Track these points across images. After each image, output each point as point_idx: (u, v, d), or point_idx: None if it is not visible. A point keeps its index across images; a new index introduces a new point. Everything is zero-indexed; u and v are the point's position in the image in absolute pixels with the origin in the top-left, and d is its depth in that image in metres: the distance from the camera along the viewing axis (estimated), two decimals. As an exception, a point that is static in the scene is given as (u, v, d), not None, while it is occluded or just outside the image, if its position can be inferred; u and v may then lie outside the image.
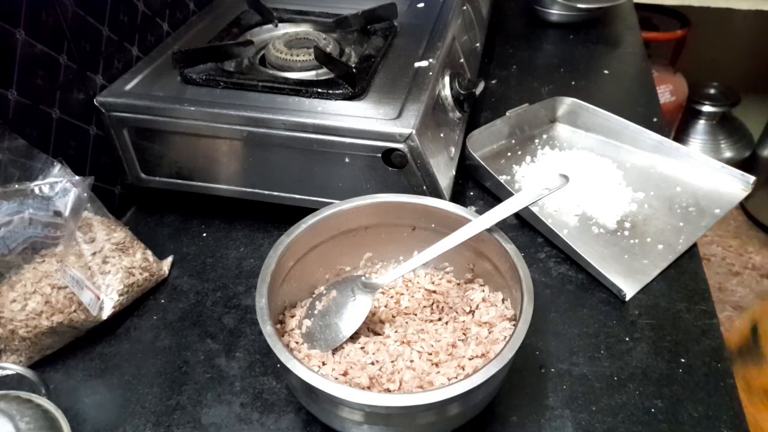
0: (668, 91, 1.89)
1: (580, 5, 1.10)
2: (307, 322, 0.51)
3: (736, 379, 0.46)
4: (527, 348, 0.55)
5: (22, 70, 0.55)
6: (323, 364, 0.49)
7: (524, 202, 0.51)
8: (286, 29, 0.78)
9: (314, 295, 0.55)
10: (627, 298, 0.59)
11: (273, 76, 0.67)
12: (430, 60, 0.69)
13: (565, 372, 0.53)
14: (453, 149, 0.69)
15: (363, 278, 0.52)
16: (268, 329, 0.43)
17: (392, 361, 0.49)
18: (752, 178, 0.72)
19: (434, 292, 0.56)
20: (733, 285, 1.72)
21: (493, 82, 0.96)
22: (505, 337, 0.49)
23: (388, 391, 0.47)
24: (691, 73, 1.94)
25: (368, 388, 0.47)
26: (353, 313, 0.51)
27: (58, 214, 0.54)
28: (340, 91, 0.62)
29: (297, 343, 0.51)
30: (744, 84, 1.99)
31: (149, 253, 0.61)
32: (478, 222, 0.50)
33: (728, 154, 1.95)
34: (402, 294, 0.56)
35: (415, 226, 0.55)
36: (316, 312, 0.52)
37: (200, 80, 0.64)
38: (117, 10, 0.66)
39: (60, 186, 0.55)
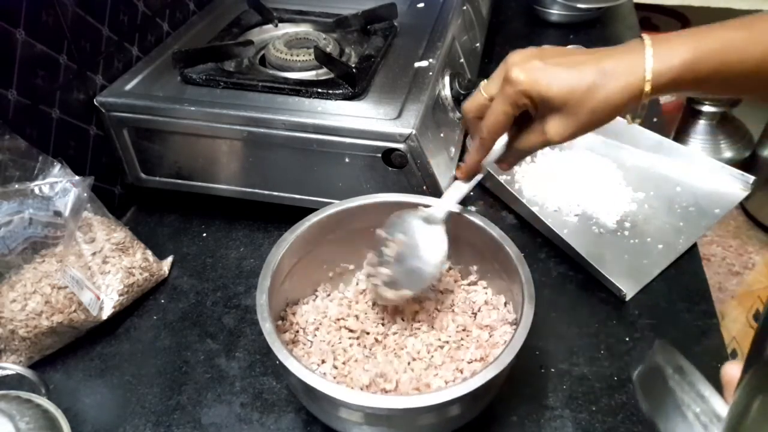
0: (668, 91, 1.88)
1: (580, 5, 1.10)
2: (385, 270, 0.51)
3: None
4: (527, 348, 0.55)
5: (22, 70, 0.55)
6: (322, 362, 0.49)
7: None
8: (286, 29, 0.78)
9: (375, 239, 0.53)
10: (627, 298, 0.59)
11: (273, 76, 0.67)
12: (430, 60, 0.69)
13: (565, 372, 0.53)
14: (453, 149, 0.69)
15: (420, 213, 0.51)
16: (267, 326, 0.43)
17: (391, 362, 0.49)
18: (752, 178, 0.72)
19: (439, 292, 0.56)
20: (733, 285, 1.72)
21: (493, 82, 0.96)
22: (505, 341, 0.49)
23: (386, 391, 0.47)
24: (691, 73, 1.93)
25: (367, 387, 0.47)
26: (430, 250, 0.50)
27: (58, 214, 0.54)
28: (340, 91, 0.62)
29: (308, 340, 0.51)
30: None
31: (149, 253, 0.61)
32: None
33: (728, 154, 1.95)
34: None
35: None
36: (389, 258, 0.51)
37: (200, 80, 0.64)
38: (117, 10, 0.66)
39: (60, 186, 0.55)
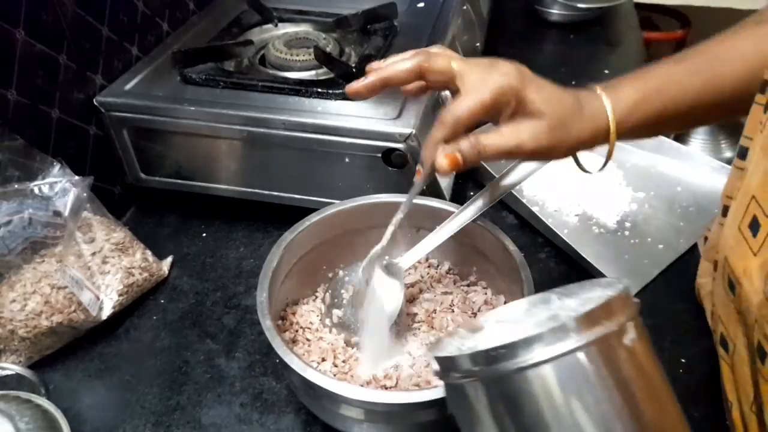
0: (668, 91, 1.88)
1: (580, 5, 1.10)
2: (337, 312, 0.51)
3: None
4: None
5: (21, 70, 0.55)
6: (322, 360, 0.49)
7: (530, 168, 0.50)
8: (286, 29, 0.78)
9: (333, 279, 0.54)
10: (627, 298, 0.59)
11: (273, 75, 0.67)
12: (430, 60, 0.68)
13: (566, 372, 0.53)
14: (453, 149, 0.69)
15: (384, 262, 0.51)
16: (267, 323, 0.43)
17: (391, 360, 0.49)
18: (753, 178, 0.72)
19: (440, 293, 0.56)
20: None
21: (494, 81, 0.96)
22: (505, 337, 0.49)
23: (386, 388, 0.47)
24: (691, 72, 1.93)
25: (367, 384, 0.47)
26: (387, 299, 0.50)
27: (57, 214, 0.54)
28: (340, 90, 0.62)
29: (307, 339, 0.51)
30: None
31: (149, 253, 0.61)
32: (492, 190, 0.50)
33: (728, 153, 1.94)
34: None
35: (420, 227, 0.55)
36: (344, 302, 0.51)
37: (200, 80, 0.64)
38: (117, 9, 0.66)
39: (59, 186, 0.55)
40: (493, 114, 0.41)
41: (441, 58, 0.43)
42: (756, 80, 0.40)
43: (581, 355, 0.26)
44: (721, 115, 0.46)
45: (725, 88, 0.43)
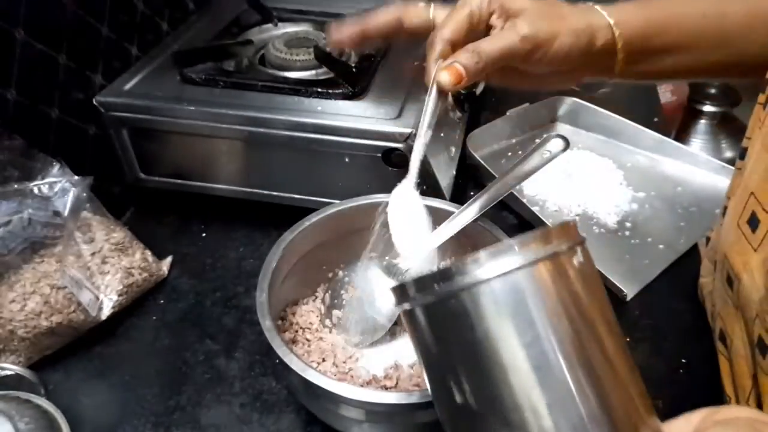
0: (669, 91, 1.88)
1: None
2: (337, 313, 0.51)
3: None
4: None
5: (21, 70, 0.55)
6: (323, 360, 0.49)
7: (531, 167, 0.50)
8: (286, 29, 0.78)
9: (333, 280, 0.54)
10: (628, 299, 0.59)
11: (273, 75, 0.67)
12: (431, 59, 0.68)
13: (566, 372, 0.53)
14: (453, 149, 0.69)
15: (384, 262, 0.51)
16: (267, 324, 0.43)
17: (390, 359, 0.49)
18: (753, 178, 0.72)
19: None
20: (733, 285, 1.72)
21: (494, 81, 0.96)
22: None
23: (386, 388, 0.47)
24: (691, 72, 1.93)
25: (367, 384, 0.47)
26: (386, 301, 0.50)
27: (57, 214, 0.54)
28: (340, 90, 0.62)
29: (307, 339, 0.51)
30: (745, 83, 1.99)
31: (148, 253, 0.61)
32: (499, 186, 0.50)
33: (729, 153, 1.94)
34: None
35: (420, 227, 0.55)
36: (344, 302, 0.51)
37: (200, 80, 0.64)
38: (116, 9, 0.66)
39: (59, 186, 0.55)
40: (480, 27, 0.45)
41: (419, 6, 0.47)
42: (757, 34, 0.42)
43: (526, 272, 0.28)
44: (728, 68, 0.48)
45: (731, 26, 0.44)
